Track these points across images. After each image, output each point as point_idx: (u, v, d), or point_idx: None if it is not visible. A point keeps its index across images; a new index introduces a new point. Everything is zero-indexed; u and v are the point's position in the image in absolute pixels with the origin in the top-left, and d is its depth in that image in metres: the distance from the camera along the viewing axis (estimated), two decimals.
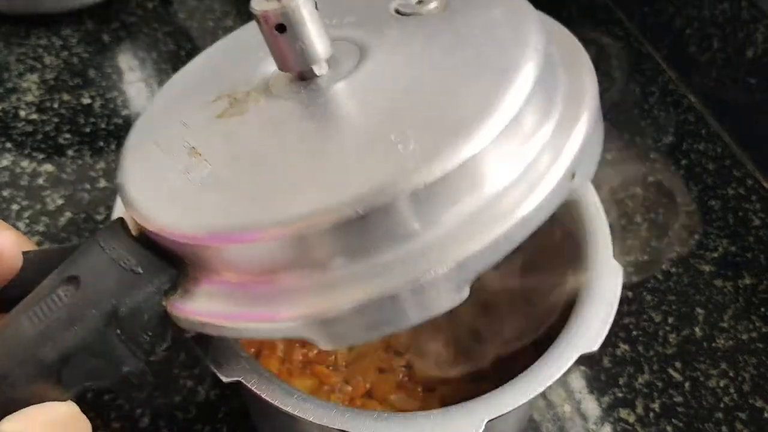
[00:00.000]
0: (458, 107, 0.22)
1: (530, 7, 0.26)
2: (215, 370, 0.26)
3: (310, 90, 0.25)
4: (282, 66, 0.25)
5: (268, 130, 0.25)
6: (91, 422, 0.40)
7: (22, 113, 0.53)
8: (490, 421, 0.25)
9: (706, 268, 0.48)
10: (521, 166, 0.22)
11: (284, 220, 0.21)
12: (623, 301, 0.46)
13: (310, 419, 0.25)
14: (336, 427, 0.25)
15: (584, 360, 0.43)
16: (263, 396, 0.26)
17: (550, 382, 0.26)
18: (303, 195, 0.21)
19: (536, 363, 0.27)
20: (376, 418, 0.25)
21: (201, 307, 0.23)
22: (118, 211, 0.29)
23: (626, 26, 0.65)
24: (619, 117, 0.57)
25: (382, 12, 0.28)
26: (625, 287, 0.46)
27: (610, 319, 0.28)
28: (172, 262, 0.24)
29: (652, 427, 0.40)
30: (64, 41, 0.61)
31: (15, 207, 0.48)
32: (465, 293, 0.21)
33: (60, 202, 0.49)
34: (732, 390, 0.42)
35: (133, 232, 0.25)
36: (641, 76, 0.61)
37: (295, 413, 0.25)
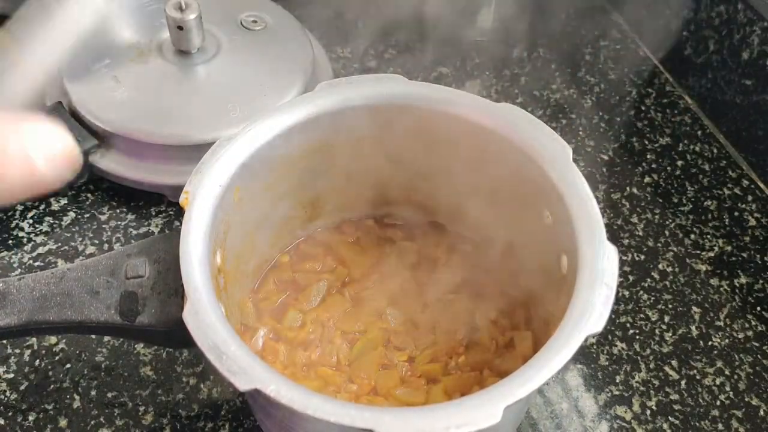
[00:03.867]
0: (262, 97, 0.49)
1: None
2: (231, 380, 0.26)
3: (185, 61, 0.50)
4: (174, 43, 0.49)
5: (158, 77, 0.49)
6: (94, 419, 0.40)
7: None
8: (507, 407, 0.25)
9: (703, 267, 0.49)
10: None
11: (160, 135, 0.46)
12: (620, 299, 0.46)
13: (332, 420, 0.25)
14: (359, 425, 0.25)
15: (581, 358, 0.43)
16: (283, 402, 0.25)
17: (560, 365, 0.27)
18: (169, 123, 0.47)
19: (543, 348, 0.27)
20: (397, 414, 0.25)
21: (108, 164, 0.47)
22: (54, 97, 0.49)
23: (623, 28, 0.66)
24: (615, 118, 0.58)
25: (232, 22, 0.53)
26: (622, 286, 0.47)
27: (611, 300, 0.29)
28: (96, 136, 0.47)
29: (649, 425, 0.41)
30: None
31: (19, 207, 0.49)
32: None
33: (63, 201, 0.49)
34: (728, 388, 0.43)
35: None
36: (638, 78, 0.61)
37: (318, 416, 0.25)
